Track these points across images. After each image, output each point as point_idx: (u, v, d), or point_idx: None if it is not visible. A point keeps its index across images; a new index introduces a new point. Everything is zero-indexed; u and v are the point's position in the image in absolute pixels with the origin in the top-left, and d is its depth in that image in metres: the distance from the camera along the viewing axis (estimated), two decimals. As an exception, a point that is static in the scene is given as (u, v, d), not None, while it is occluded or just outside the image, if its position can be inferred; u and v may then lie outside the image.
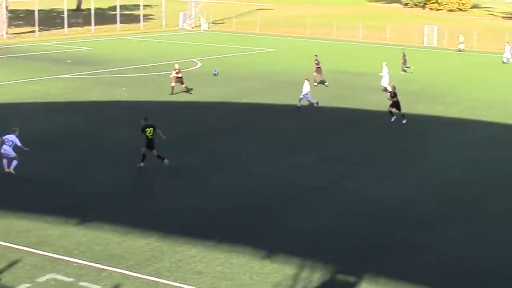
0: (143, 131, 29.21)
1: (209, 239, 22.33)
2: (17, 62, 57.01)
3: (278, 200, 26.28)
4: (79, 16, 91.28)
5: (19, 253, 20.87)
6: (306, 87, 41.87)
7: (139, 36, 79.48)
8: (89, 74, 52.14)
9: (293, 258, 21.04)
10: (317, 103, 42.47)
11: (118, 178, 28.41)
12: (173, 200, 26.03)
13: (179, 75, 44.66)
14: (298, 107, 41.89)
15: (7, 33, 73.57)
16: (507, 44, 67.00)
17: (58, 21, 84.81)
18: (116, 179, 28.21)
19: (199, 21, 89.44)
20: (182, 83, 44.77)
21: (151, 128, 29.28)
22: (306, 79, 42.59)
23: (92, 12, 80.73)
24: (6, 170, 28.12)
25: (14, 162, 28.12)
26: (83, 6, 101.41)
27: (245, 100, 44.45)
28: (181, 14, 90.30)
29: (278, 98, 45.09)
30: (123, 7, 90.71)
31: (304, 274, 20.11)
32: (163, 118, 38.48)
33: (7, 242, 21.60)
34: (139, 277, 19.65)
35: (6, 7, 74.30)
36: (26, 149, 28.26)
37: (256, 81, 51.74)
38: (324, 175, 29.39)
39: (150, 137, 29.27)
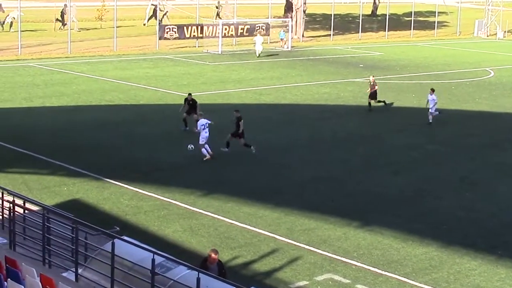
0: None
1: (491, 253, 21.69)
2: (311, 65, 58.57)
3: None
4: (374, 22, 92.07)
5: (300, 251, 21.44)
6: None
7: (432, 43, 78.74)
8: (379, 79, 52.43)
9: None
10: None
11: (400, 184, 28.33)
12: (456, 210, 25.54)
13: (375, 88, 41.57)
14: None
15: (303, 36, 75.78)
16: None
17: (353, 25, 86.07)
18: (398, 185, 28.16)
19: (495, 29, 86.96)
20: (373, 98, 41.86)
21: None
22: None
23: (387, 17, 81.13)
24: (211, 153, 30.08)
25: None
26: (378, 12, 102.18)
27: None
28: (476, 22, 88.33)
29: None
30: (417, 14, 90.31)
31: None
32: (454, 126, 38.02)
33: (289, 239, 22.27)
34: (416, 285, 19.51)
35: (304, 11, 76.53)
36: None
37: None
38: None
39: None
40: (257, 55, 61.50)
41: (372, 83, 41.25)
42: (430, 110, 38.00)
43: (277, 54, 63.98)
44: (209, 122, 30.58)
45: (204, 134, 30.20)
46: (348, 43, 74.34)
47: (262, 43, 63.10)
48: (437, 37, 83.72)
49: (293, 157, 31.45)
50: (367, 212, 25.02)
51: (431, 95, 38.14)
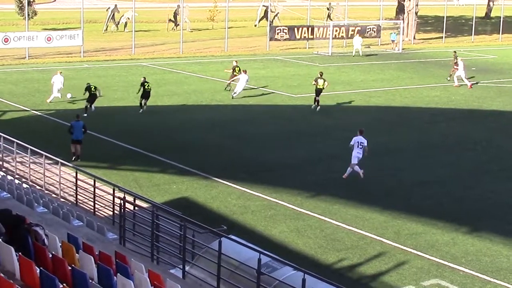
0: None
1: None
2: (422, 67, 57.86)
3: None
4: (487, 24, 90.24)
5: (407, 255, 21.21)
6: None
7: (549, 46, 76.61)
8: (492, 82, 51.41)
9: None
10: None
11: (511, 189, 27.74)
12: None
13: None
14: None
15: (414, 38, 74.93)
16: None
17: (465, 28, 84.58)
18: (509, 190, 27.52)
19: None
20: None
21: None
22: None
23: (501, 20, 79.38)
24: (361, 174, 27.97)
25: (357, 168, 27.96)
26: (492, 14, 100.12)
27: None
28: None
29: None
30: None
31: None
32: None
33: (396, 243, 22.05)
34: (526, 294, 19.05)
35: (416, 12, 75.64)
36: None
37: None
38: None
39: None
40: (353, 54, 61.37)
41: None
42: None
43: (376, 55, 63.51)
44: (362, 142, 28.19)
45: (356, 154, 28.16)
46: (460, 46, 73.03)
47: (362, 44, 62.78)
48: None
49: (402, 160, 31.14)
50: (477, 218, 24.56)
51: None
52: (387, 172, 29.40)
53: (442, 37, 76.31)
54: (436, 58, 63.35)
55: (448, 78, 51.07)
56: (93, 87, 37.08)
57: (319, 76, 40.01)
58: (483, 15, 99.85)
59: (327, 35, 64.87)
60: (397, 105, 42.78)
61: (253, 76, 48.74)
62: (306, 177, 28.45)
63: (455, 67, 50.02)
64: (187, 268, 16.87)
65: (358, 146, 27.92)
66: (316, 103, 39.44)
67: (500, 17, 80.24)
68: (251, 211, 24.39)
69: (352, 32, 67.01)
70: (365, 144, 27.90)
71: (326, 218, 23.90)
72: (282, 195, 25.96)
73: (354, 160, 27.96)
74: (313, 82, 40.04)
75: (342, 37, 67.17)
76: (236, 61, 45.90)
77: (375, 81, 50.46)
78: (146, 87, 37.71)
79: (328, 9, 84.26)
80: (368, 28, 68.19)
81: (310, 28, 65.86)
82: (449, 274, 20.03)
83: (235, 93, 42.13)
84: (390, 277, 19.78)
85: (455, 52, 54.54)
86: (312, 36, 65.49)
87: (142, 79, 38.36)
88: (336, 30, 66.33)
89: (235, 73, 43.98)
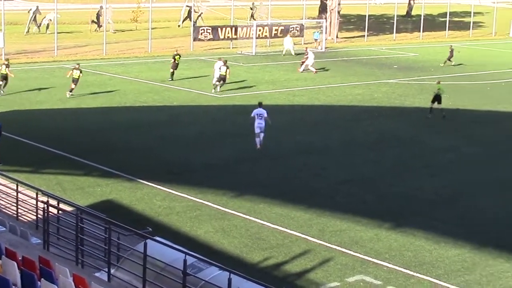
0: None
1: (524, 256, 21.59)
2: (345, 66, 58.49)
3: None
4: (408, 22, 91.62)
5: (332, 252, 21.47)
6: None
7: (467, 43, 78.18)
8: (414, 80, 52.28)
9: None
10: None
11: (435, 186, 28.23)
12: (490, 212, 25.43)
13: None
14: None
15: (337, 37, 75.68)
16: None
17: (387, 26, 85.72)
18: (432, 187, 28.05)
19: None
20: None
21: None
22: None
23: (422, 18, 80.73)
24: (258, 145, 31.33)
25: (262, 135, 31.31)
26: (413, 13, 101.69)
27: None
28: (511, 22, 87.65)
29: None
30: (453, 14, 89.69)
31: None
32: (490, 128, 37.87)
33: (321, 241, 22.29)
34: (448, 287, 19.44)
35: (338, 11, 76.40)
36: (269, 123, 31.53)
37: None
38: None
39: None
40: (283, 54, 61.88)
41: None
42: None
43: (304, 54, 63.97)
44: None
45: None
46: (382, 44, 74.11)
47: (292, 43, 63.27)
48: (472, 38, 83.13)
49: (327, 159, 31.47)
50: (400, 214, 24.98)
51: None
52: (311, 170, 29.66)
53: (364, 36, 77.19)
54: (359, 57, 64.10)
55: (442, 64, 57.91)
56: None
57: None
58: (405, 13, 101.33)
59: (250, 34, 65.06)
60: (321, 104, 43.18)
61: (177, 77, 48.65)
62: (231, 177, 28.55)
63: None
64: (112, 271, 16.80)
65: (258, 117, 31.39)
66: None
67: (420, 15, 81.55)
68: (176, 212, 24.37)
69: (276, 32, 67.38)
70: (265, 114, 31.54)
71: (251, 218, 24.02)
72: (207, 195, 26.00)
73: (257, 130, 31.38)
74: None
75: (266, 37, 67.42)
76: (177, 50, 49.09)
77: (299, 80, 50.82)
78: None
79: (251, 8, 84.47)
80: (291, 28, 68.57)
81: (233, 28, 65.94)
82: (373, 269, 20.34)
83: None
84: (315, 274, 19.99)
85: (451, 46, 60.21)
86: (235, 36, 65.59)
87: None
88: (260, 30, 66.54)
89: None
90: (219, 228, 23.07)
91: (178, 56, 48.64)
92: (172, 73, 48.40)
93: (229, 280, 14.29)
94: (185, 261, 15.14)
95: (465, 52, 68.10)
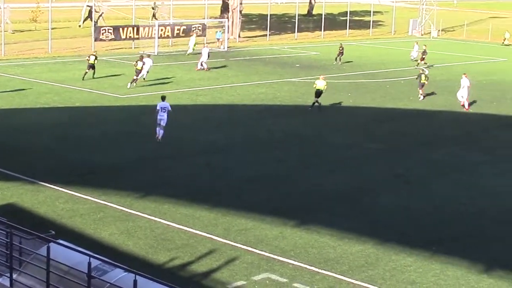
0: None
1: (426, 249, 22.02)
2: (247, 65, 58.70)
3: (505, 215, 25.50)
4: (310, 21, 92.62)
5: (237, 251, 21.49)
6: None
7: (368, 42, 79.54)
8: (316, 78, 52.76)
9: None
10: None
11: (337, 182, 28.61)
12: (392, 208, 25.88)
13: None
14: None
15: (239, 36, 75.91)
16: None
17: (289, 25, 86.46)
18: (335, 184, 28.42)
19: (429, 28, 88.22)
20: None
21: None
22: None
23: (323, 17, 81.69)
24: (159, 138, 32.61)
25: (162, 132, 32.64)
26: (314, 12, 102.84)
27: (471, 110, 43.47)
28: (411, 21, 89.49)
29: (508, 110, 43.91)
30: (353, 13, 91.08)
31: (523, 292, 19.37)
32: (389, 125, 38.57)
33: (226, 240, 22.30)
34: (352, 283, 19.71)
35: (240, 11, 76.65)
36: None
37: (484, 91, 50.41)
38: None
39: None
40: (187, 53, 61.70)
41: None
42: None
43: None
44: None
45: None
46: (284, 43, 74.70)
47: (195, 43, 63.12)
48: (372, 36, 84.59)
49: (230, 158, 31.52)
50: (304, 211, 25.19)
51: None
52: (216, 170, 29.66)
53: (266, 35, 77.65)
54: (261, 56, 64.42)
55: (416, 67, 58.05)
56: None
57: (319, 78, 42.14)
58: (306, 12, 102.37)
59: (152, 34, 64.67)
60: (224, 103, 43.24)
61: (78, 78, 47.99)
62: (136, 177, 28.31)
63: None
64: (14, 276, 16.43)
65: (162, 110, 32.81)
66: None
67: (322, 14, 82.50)
68: (79, 215, 24.02)
69: (178, 31, 67.16)
70: (169, 108, 33.08)
71: (156, 218, 23.87)
72: (111, 197, 25.71)
73: (161, 122, 32.76)
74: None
75: (168, 37, 67.17)
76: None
77: (202, 80, 50.77)
78: None
79: (153, 8, 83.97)
80: (193, 27, 68.46)
81: (135, 28, 65.43)
82: (279, 267, 20.45)
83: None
84: (221, 273, 19.98)
85: (425, 45, 61.40)
86: (137, 36, 65.07)
87: None
88: (162, 30, 66.20)
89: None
90: (124, 230, 22.84)
91: (94, 58, 48.94)
92: (85, 73, 48.31)
93: (135, 282, 14.13)
94: (89, 263, 14.91)
95: (365, 50, 69.21)
